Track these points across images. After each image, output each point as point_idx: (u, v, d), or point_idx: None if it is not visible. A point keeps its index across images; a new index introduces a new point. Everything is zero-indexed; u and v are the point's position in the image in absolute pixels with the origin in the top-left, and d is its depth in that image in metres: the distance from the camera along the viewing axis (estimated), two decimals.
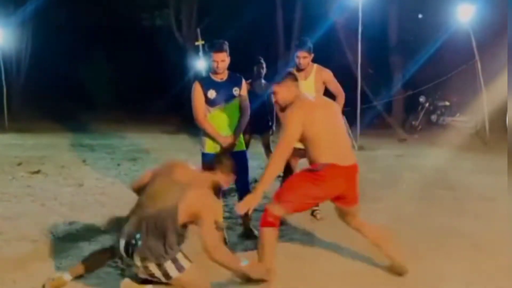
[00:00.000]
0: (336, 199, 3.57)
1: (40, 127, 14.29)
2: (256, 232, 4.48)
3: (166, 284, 3.11)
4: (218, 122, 4.25)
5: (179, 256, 3.07)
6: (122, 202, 5.59)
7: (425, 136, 11.54)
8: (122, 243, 3.11)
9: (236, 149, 4.29)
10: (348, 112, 11.45)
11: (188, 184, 3.12)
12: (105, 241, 4.27)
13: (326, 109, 3.57)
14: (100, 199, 5.77)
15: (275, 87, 3.54)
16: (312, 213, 5.08)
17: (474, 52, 10.25)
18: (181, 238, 3.10)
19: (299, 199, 3.43)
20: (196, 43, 11.21)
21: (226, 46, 4.20)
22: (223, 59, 4.19)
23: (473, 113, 11.36)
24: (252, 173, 7.08)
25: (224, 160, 3.41)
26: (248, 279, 3.29)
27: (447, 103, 13.13)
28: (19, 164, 8.08)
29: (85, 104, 18.07)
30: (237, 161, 4.22)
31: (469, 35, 10.12)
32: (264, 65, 6.53)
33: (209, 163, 4.22)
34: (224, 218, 4.80)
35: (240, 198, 4.44)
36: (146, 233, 3.03)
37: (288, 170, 5.47)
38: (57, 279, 3.37)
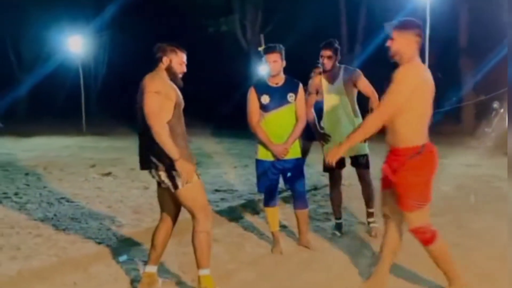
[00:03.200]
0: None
1: (115, 131, 14.92)
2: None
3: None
4: (271, 128, 4.12)
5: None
6: None
7: (499, 145, 10.74)
8: None
9: (290, 156, 4.13)
10: None
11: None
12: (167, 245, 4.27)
13: (432, 84, 3.16)
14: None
15: (394, 32, 3.10)
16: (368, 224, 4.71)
17: None
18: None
19: (425, 194, 3.14)
20: (259, 49, 11.19)
21: (279, 48, 4.07)
22: (275, 60, 4.05)
23: None
24: (312, 180, 6.97)
25: (163, 45, 3.33)
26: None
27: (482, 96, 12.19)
28: (92, 166, 8.43)
29: None
30: (292, 168, 4.14)
31: None
32: (321, 69, 6.21)
33: (261, 170, 4.18)
34: (281, 226, 4.66)
35: (296, 207, 4.31)
36: (141, 143, 3.23)
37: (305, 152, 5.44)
38: (146, 276, 3.38)
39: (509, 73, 3.37)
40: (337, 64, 4.43)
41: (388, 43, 3.16)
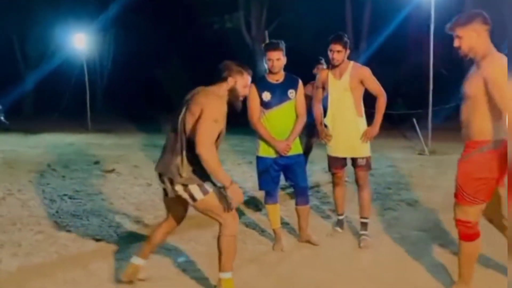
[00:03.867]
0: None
1: (119, 128, 14.95)
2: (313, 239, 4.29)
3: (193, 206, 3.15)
4: (273, 125, 4.08)
5: (205, 182, 3.09)
6: None
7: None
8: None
9: (291, 152, 4.10)
10: (419, 114, 10.96)
11: (193, 95, 3.15)
12: (166, 243, 4.25)
13: None
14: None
15: (458, 30, 2.95)
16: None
17: None
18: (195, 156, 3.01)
19: (483, 187, 2.96)
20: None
21: (282, 45, 4.03)
22: (278, 58, 4.01)
23: None
24: (315, 177, 6.93)
25: (231, 65, 3.22)
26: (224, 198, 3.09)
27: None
28: (96, 162, 8.43)
29: (162, 106, 18.67)
30: (293, 164, 4.11)
31: None
32: (325, 66, 6.15)
33: (263, 167, 4.14)
34: (283, 223, 4.63)
35: (297, 203, 4.28)
36: (164, 151, 3.17)
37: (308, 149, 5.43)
38: (132, 267, 3.38)
39: (509, 71, 3.22)
40: (346, 60, 4.26)
41: (456, 44, 3.01)
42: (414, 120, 10.13)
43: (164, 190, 3.21)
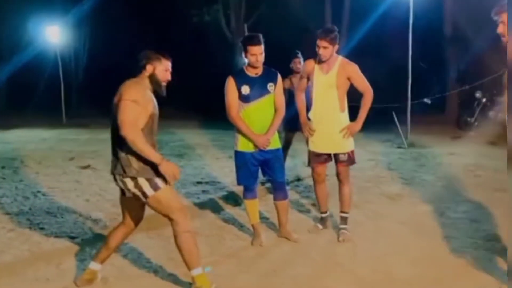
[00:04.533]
0: None
1: (95, 123, 14.68)
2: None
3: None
4: (252, 119, 4.04)
5: (155, 178, 3.07)
6: None
7: (482, 134, 10.82)
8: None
9: (270, 147, 4.08)
10: (398, 108, 11.05)
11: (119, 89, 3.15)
12: (143, 239, 4.21)
13: None
14: None
15: (504, 15, 2.90)
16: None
17: None
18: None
19: None
20: None
21: (262, 38, 3.99)
22: (261, 52, 3.97)
23: None
24: (295, 171, 6.94)
25: (148, 52, 3.25)
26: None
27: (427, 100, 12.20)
28: (71, 158, 8.29)
29: None
30: (271, 159, 4.09)
31: None
32: (302, 59, 6.14)
33: (241, 161, 4.11)
34: (262, 218, 4.62)
35: (275, 198, 4.26)
36: (112, 147, 3.17)
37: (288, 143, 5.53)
38: (87, 273, 3.34)
39: (509, 71, 3.20)
40: (335, 55, 4.17)
41: (499, 29, 2.99)
42: (394, 114, 10.21)
43: (121, 190, 3.19)
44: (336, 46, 4.14)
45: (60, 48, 15.59)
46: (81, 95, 19.56)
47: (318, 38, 4.08)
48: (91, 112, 16.89)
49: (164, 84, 3.24)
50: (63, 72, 15.60)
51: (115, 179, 3.18)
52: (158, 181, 3.08)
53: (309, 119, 4.33)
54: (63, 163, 7.90)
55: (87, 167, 7.49)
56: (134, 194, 3.11)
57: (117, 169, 3.10)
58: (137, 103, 3.01)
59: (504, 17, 2.94)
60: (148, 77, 3.19)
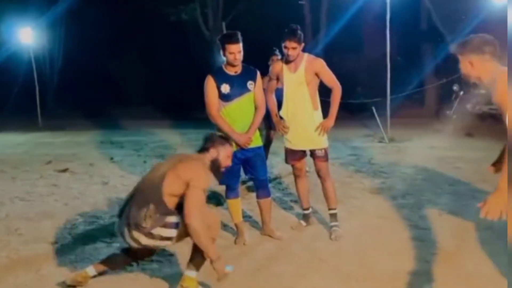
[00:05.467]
0: None
1: (73, 125, 14.49)
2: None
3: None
4: (233, 118, 4.04)
5: (165, 218, 3.03)
6: None
7: (460, 126, 11.00)
8: (116, 222, 3.21)
9: (252, 145, 4.08)
10: (377, 103, 11.17)
11: (181, 160, 3.15)
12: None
13: None
14: (124, 198, 5.64)
15: (470, 57, 2.82)
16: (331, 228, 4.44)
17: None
18: (167, 210, 3.02)
19: None
20: None
21: (240, 36, 3.98)
22: (239, 50, 3.96)
23: None
24: (277, 168, 6.95)
25: (214, 136, 3.31)
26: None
27: (483, 91, 12.43)
28: (48, 162, 8.14)
29: (117, 101, 18.26)
30: (253, 157, 4.10)
31: (505, 17, 9.55)
32: (279, 57, 6.16)
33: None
34: (245, 217, 4.61)
35: (258, 196, 4.26)
36: (132, 204, 3.08)
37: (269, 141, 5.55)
38: (81, 273, 3.32)
39: (509, 65, 3.22)
40: (301, 52, 4.21)
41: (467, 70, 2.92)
42: (373, 109, 10.31)
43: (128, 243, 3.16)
44: (302, 45, 4.19)
45: (34, 50, 15.30)
46: (56, 97, 19.24)
47: (286, 40, 4.10)
48: (67, 114, 16.65)
49: (223, 170, 3.28)
50: (37, 75, 15.31)
51: (119, 228, 3.13)
52: (171, 219, 3.03)
53: (281, 117, 4.36)
54: (40, 167, 7.75)
55: (65, 170, 7.37)
56: (152, 246, 3.08)
57: (130, 223, 3.01)
58: (204, 192, 3.03)
59: (474, 59, 2.85)
60: (210, 161, 3.21)
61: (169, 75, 18.61)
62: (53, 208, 5.23)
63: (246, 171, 4.25)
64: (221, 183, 4.22)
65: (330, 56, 11.24)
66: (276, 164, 7.22)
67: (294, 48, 4.11)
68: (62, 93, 19.08)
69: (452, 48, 3.02)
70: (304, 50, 4.29)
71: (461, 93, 12.20)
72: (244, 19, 15.60)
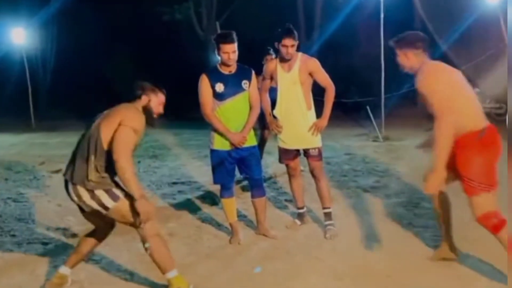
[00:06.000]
0: None
1: (66, 125, 14.42)
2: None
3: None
4: (227, 117, 4.05)
5: (113, 187, 3.06)
6: None
7: None
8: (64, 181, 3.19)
9: (246, 144, 4.09)
10: (372, 102, 11.22)
11: (113, 109, 3.19)
12: (118, 243, 4.16)
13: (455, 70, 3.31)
14: None
15: (404, 50, 3.27)
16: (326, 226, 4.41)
17: (503, 34, 9.74)
18: (107, 164, 3.02)
19: (486, 171, 3.10)
20: None
21: (235, 36, 3.99)
22: (234, 50, 3.97)
23: (504, 99, 10.82)
24: (272, 168, 6.96)
25: (145, 84, 3.31)
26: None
27: (477, 89, 12.50)
28: (42, 163, 8.12)
29: (110, 101, 18.12)
30: (248, 156, 4.11)
31: (497, 17, 9.63)
32: (274, 56, 6.19)
33: (217, 160, 4.11)
34: (240, 216, 4.62)
35: (253, 195, 4.28)
36: (74, 160, 3.12)
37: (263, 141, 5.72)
38: (57, 277, 3.31)
39: (508, 61, 3.38)
40: (295, 52, 4.21)
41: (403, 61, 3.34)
42: (368, 108, 10.36)
43: (79, 206, 3.15)
44: (297, 42, 4.21)
45: (26, 50, 15.26)
46: (49, 97, 19.15)
47: (283, 38, 4.11)
48: (60, 114, 16.58)
49: (155, 117, 3.29)
50: (30, 75, 15.26)
51: (66, 188, 3.14)
52: (116, 191, 3.05)
53: (274, 117, 4.38)
54: (33, 168, 7.74)
55: (58, 171, 7.32)
56: (91, 208, 3.06)
57: (74, 178, 3.04)
58: (136, 132, 3.05)
59: (409, 53, 3.27)
60: (142, 107, 3.22)
61: (163, 75, 18.55)
62: (46, 209, 5.23)
63: (241, 170, 4.27)
64: (215, 182, 4.25)
65: (325, 56, 11.30)
66: (270, 164, 7.23)
67: (292, 46, 4.13)
68: (55, 93, 19.00)
69: (391, 43, 3.43)
70: (298, 50, 4.30)
71: None
72: (238, 18, 15.59)
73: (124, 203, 3.04)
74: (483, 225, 3.15)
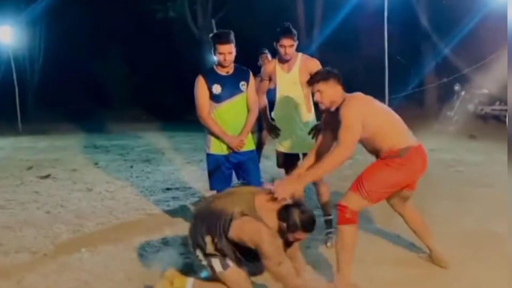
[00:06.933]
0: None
1: (55, 128, 14.49)
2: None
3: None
4: (224, 120, 4.07)
5: (226, 258, 3.15)
6: (131, 208, 5.56)
7: (462, 128, 11.11)
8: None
9: (244, 148, 4.11)
10: None
11: (257, 208, 3.09)
12: (110, 252, 4.18)
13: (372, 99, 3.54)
14: (109, 205, 5.71)
15: (319, 86, 3.42)
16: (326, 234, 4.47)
17: None
18: (227, 248, 3.09)
19: (381, 188, 3.37)
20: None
21: (232, 36, 4.01)
22: (230, 51, 4.00)
23: None
24: (270, 173, 6.97)
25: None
26: None
27: (486, 91, 12.58)
28: (29, 168, 8.14)
29: (101, 103, 18.24)
30: (246, 161, 4.13)
31: (506, 15, 9.69)
32: (269, 56, 6.24)
33: (214, 165, 4.13)
34: None
35: None
36: (199, 220, 3.20)
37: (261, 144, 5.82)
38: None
39: (508, 61, 3.47)
40: (295, 52, 4.25)
41: (316, 98, 3.49)
42: None
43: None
44: (297, 42, 4.24)
45: (13, 49, 15.28)
46: (37, 99, 19.16)
47: (281, 38, 4.14)
48: (49, 117, 16.62)
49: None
50: (17, 75, 15.28)
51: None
52: (229, 260, 3.13)
53: (272, 119, 4.40)
54: (20, 173, 7.75)
55: (47, 176, 7.38)
56: (200, 261, 3.20)
57: (196, 242, 3.16)
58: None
59: (322, 86, 3.42)
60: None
61: (156, 75, 18.61)
62: (34, 216, 5.24)
63: (239, 176, 4.28)
64: (212, 188, 4.27)
65: (325, 56, 11.35)
66: (268, 168, 7.25)
67: (291, 46, 4.15)
68: (43, 94, 19.00)
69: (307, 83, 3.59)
70: (298, 50, 4.33)
71: (463, 93, 12.33)
72: (235, 16, 15.65)
73: (231, 273, 3.12)
74: (337, 211, 3.41)
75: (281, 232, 3.09)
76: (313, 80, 3.47)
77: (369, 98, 3.50)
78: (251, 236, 2.99)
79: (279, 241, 3.09)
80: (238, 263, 3.14)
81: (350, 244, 3.36)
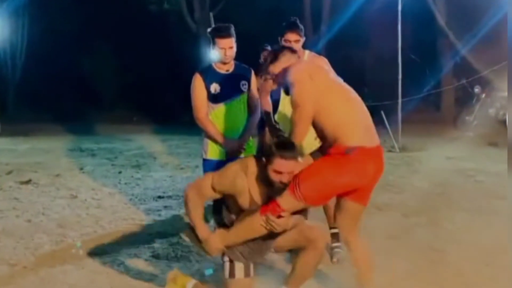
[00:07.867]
0: (352, 190, 3.32)
1: (37, 130, 14.50)
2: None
3: None
4: (223, 122, 4.07)
5: (239, 264, 3.30)
6: (118, 217, 5.57)
7: (482, 134, 11.11)
8: None
9: (244, 154, 4.11)
10: (387, 106, 11.28)
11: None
12: (95, 265, 4.19)
13: (331, 73, 3.49)
14: (94, 213, 5.72)
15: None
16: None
17: None
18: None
19: (320, 192, 3.20)
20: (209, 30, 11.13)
21: (233, 29, 4.03)
22: (231, 45, 4.01)
23: None
24: None
25: None
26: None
27: (502, 94, 12.59)
28: (9, 172, 8.15)
29: (88, 102, 18.27)
30: None
31: None
32: None
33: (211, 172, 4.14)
34: None
35: None
36: None
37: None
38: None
39: (508, 66, 3.45)
40: (301, 49, 4.27)
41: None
42: (383, 113, 10.41)
43: None
44: (304, 39, 4.26)
45: None
46: (18, 97, 19.20)
47: (286, 32, 4.17)
48: (30, 117, 16.65)
49: None
50: None
51: None
52: (239, 270, 3.30)
53: (275, 122, 4.40)
54: None
55: (28, 182, 7.39)
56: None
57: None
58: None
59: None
60: None
61: (149, 73, 18.64)
62: (14, 225, 5.24)
63: None
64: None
65: (334, 53, 11.36)
66: None
67: (296, 41, 4.17)
68: (25, 92, 19.04)
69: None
70: (304, 47, 4.35)
71: (483, 96, 12.33)
72: (234, 9, 15.71)
73: (235, 284, 3.31)
74: (270, 204, 3.20)
75: (265, 175, 3.14)
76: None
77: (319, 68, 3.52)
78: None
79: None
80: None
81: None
